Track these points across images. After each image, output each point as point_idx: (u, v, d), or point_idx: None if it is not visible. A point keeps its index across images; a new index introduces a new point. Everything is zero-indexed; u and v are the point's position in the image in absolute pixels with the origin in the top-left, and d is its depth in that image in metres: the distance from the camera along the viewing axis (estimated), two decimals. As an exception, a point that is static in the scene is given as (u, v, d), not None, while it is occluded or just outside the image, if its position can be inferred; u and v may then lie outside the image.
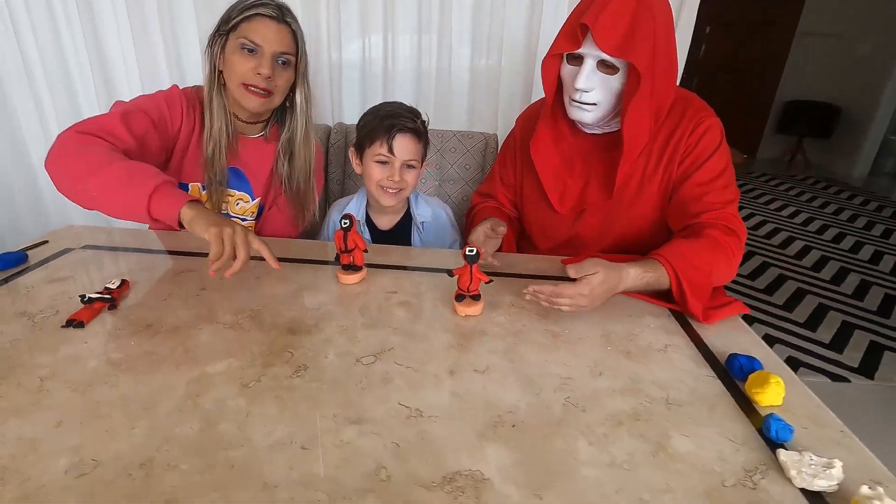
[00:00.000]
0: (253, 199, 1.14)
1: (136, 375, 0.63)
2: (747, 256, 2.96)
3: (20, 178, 1.72)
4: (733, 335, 0.80)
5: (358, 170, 1.12)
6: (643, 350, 0.74)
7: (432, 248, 1.12)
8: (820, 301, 2.47)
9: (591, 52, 0.89)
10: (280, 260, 0.95)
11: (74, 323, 0.73)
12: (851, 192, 4.42)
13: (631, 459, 0.54)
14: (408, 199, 1.16)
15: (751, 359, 0.68)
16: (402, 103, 1.10)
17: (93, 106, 1.65)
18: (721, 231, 0.89)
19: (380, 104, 1.12)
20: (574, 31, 0.90)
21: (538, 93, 1.50)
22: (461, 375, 0.66)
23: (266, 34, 0.97)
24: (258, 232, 1.17)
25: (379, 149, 1.05)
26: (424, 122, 1.09)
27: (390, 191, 1.07)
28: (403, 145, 1.05)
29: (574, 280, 0.79)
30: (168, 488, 0.48)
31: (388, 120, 1.04)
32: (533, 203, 1.12)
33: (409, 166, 1.08)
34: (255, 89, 0.99)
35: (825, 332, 2.21)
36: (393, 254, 1.03)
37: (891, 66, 4.44)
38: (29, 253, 0.94)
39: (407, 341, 0.73)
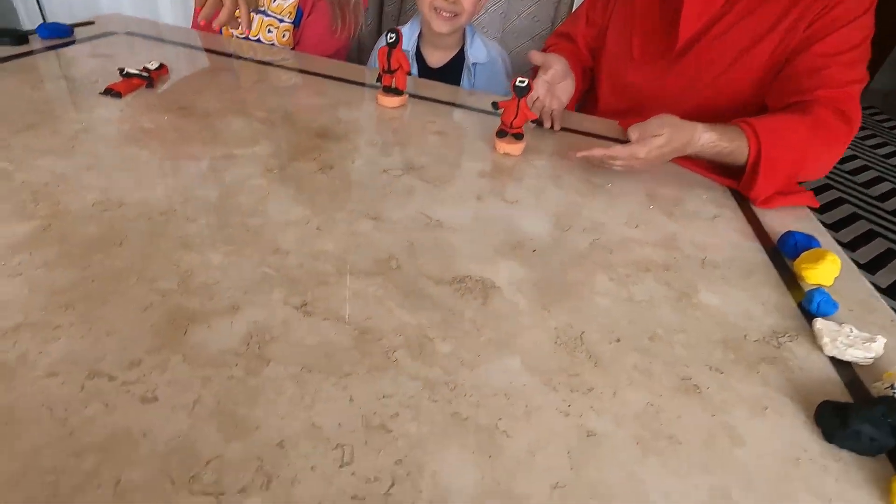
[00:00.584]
0: None
1: (165, 143, 0.63)
2: (823, 188, 2.72)
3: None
4: (794, 221, 0.72)
5: None
6: (688, 214, 0.68)
7: (483, 91, 1.04)
8: (889, 246, 2.28)
9: None
10: (318, 76, 0.91)
11: (112, 92, 0.72)
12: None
13: (650, 300, 0.51)
14: (463, 36, 1.06)
15: (809, 237, 0.62)
16: None
17: None
18: (832, 113, 0.74)
19: None
20: None
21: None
22: (488, 201, 0.63)
23: None
24: (296, 43, 1.11)
25: None
26: None
27: (444, 14, 0.97)
28: None
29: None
30: (185, 234, 0.48)
31: None
32: (612, 51, 0.97)
33: None
34: None
35: (883, 278, 2.07)
36: (439, 90, 0.96)
37: None
38: (75, 30, 0.93)
39: (437, 163, 0.70)
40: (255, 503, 0.29)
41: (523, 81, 0.72)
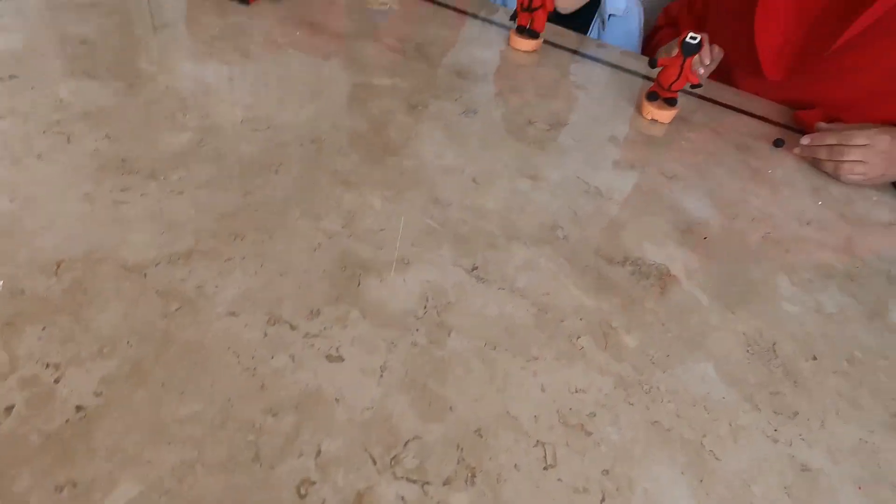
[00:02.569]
0: None
1: (302, 59, 0.58)
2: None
3: None
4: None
5: None
6: (861, 217, 0.60)
7: (624, 47, 0.93)
8: None
9: None
10: (445, 6, 0.83)
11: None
12: None
13: (842, 314, 0.45)
14: None
15: None
16: None
17: None
18: None
19: None
20: None
21: None
22: (645, 171, 0.57)
23: None
24: None
25: None
26: None
27: None
28: None
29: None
30: (341, 169, 0.44)
31: None
32: (728, 56, 0.81)
33: None
34: None
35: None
36: (573, 39, 0.87)
37: None
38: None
39: (584, 122, 0.63)
40: (461, 499, 0.26)
41: (695, 38, 0.62)
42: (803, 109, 0.80)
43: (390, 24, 0.73)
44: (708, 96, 0.80)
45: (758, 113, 0.79)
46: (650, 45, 1.04)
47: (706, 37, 0.80)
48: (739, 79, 0.87)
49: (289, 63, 0.57)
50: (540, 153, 0.54)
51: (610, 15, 0.94)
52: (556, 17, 0.98)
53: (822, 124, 0.70)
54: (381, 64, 0.62)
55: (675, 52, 0.64)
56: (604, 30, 0.96)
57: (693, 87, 0.66)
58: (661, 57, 0.66)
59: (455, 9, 0.83)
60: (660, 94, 0.67)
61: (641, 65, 0.83)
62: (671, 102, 0.67)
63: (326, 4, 0.73)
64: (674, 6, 1.04)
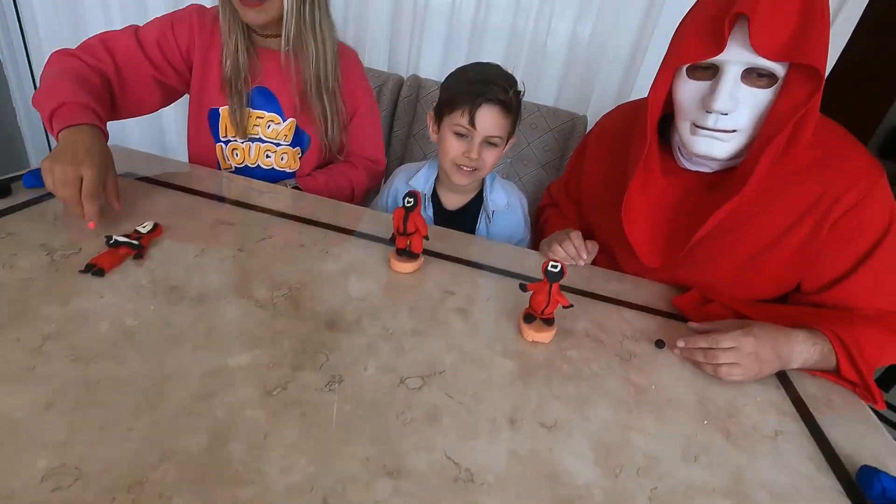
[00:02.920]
0: (284, 120, 1.03)
1: (147, 354, 0.54)
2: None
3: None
4: (860, 431, 0.64)
5: (434, 137, 0.98)
6: (748, 434, 0.59)
7: (501, 242, 0.98)
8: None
9: (736, 59, 0.66)
10: (329, 228, 0.85)
11: (94, 269, 0.64)
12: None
13: None
14: (482, 180, 1.02)
15: (897, 482, 0.53)
16: (496, 67, 0.93)
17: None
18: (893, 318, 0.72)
19: (470, 65, 0.95)
20: (717, 28, 0.65)
21: (641, 83, 1.30)
22: (523, 427, 0.54)
23: None
24: (300, 171, 1.07)
25: (459, 118, 0.90)
26: (519, 92, 0.92)
27: (465, 169, 0.93)
28: (488, 118, 0.89)
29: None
30: (156, 529, 0.38)
31: (476, 86, 0.88)
32: (606, 238, 0.93)
33: (491, 143, 0.92)
34: (244, 1, 0.88)
35: None
36: (456, 241, 0.90)
37: None
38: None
39: (462, 363, 0.61)
40: None
41: (556, 266, 0.65)
42: (679, 294, 0.84)
43: (264, 266, 0.72)
44: (591, 290, 0.83)
45: (639, 302, 0.82)
46: (538, 224, 1.11)
47: (587, 249, 0.86)
48: (622, 261, 0.93)
49: (128, 361, 0.53)
50: (407, 428, 0.51)
51: (493, 210, 1.00)
52: (448, 215, 1.04)
53: (693, 325, 0.74)
54: (243, 331, 0.59)
55: (542, 278, 0.66)
56: (490, 223, 1.01)
57: (566, 307, 0.68)
58: (530, 283, 0.68)
59: (338, 228, 0.85)
60: (536, 317, 0.68)
61: (527, 261, 0.86)
62: (549, 322, 0.68)
63: (196, 253, 0.72)
64: (553, 186, 1.14)
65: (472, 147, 0.90)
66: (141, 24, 0.96)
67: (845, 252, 0.73)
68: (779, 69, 0.66)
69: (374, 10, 1.43)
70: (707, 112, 0.70)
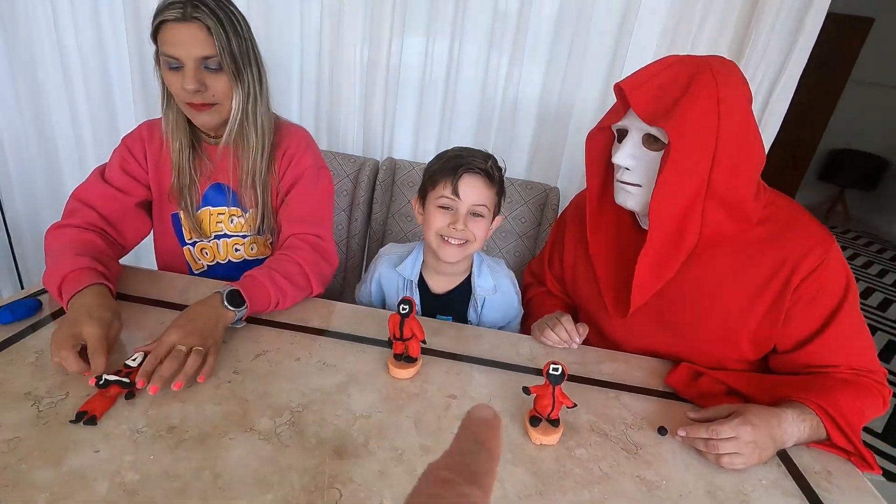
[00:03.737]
0: (247, 212, 1.02)
1: (153, 517, 0.51)
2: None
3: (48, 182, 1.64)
4: (861, 502, 0.66)
5: (420, 219, 0.99)
6: (760, 522, 0.61)
7: (493, 329, 0.99)
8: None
9: (633, 123, 0.79)
10: (322, 333, 0.84)
11: (86, 417, 0.61)
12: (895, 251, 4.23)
13: None
14: (471, 265, 1.03)
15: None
16: (476, 148, 0.96)
17: (128, 108, 1.55)
18: (869, 381, 0.79)
19: (449, 149, 0.98)
20: (619, 94, 0.81)
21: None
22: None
23: (177, 42, 0.83)
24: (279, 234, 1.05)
25: (442, 190, 0.91)
26: (499, 167, 0.95)
27: (453, 242, 0.92)
28: (471, 187, 0.90)
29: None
30: None
31: (456, 160, 0.91)
32: (593, 308, 0.98)
33: (477, 214, 0.92)
34: (194, 106, 0.88)
35: (877, 420, 2.06)
36: (449, 334, 0.91)
37: (949, 124, 4.24)
38: (43, 298, 0.84)
39: (476, 481, 0.61)
40: None
41: (557, 368, 0.66)
42: (671, 370, 0.87)
43: (262, 390, 0.71)
44: (586, 375, 0.84)
45: (636, 383, 0.84)
46: (523, 303, 1.13)
47: (578, 332, 0.90)
48: (609, 331, 0.96)
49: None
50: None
51: (483, 297, 1.01)
52: (436, 299, 1.04)
53: (692, 414, 0.76)
54: (249, 471, 0.57)
55: (545, 381, 0.67)
56: (480, 312, 1.02)
57: (570, 408, 0.69)
58: (533, 386, 0.69)
59: (332, 333, 0.85)
60: (541, 419, 0.69)
61: (522, 349, 0.88)
62: (555, 423, 0.69)
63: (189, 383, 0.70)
64: (534, 264, 1.17)
65: (457, 218, 0.91)
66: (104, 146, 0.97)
67: (811, 313, 0.80)
68: (660, 136, 0.77)
69: (346, 92, 1.48)
70: (614, 162, 0.82)
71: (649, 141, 0.78)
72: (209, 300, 0.79)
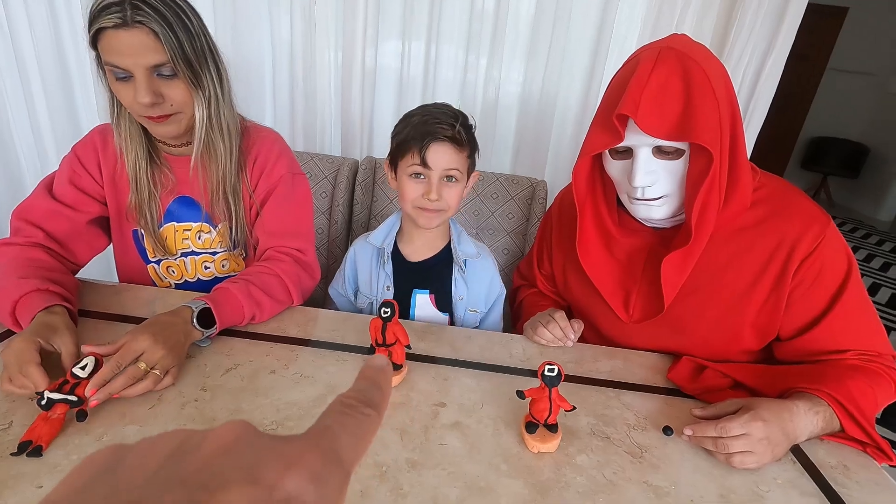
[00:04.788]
0: (216, 227, 0.94)
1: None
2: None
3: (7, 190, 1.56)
4: (879, 497, 0.62)
5: (393, 185, 0.94)
6: (779, 526, 0.56)
7: (482, 330, 0.94)
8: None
9: (641, 142, 0.71)
10: (300, 343, 0.78)
11: (30, 448, 0.54)
12: (880, 236, 4.26)
13: None
14: (449, 233, 0.98)
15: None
16: (443, 106, 0.89)
17: (92, 115, 1.48)
18: (879, 366, 0.74)
19: (416, 108, 0.91)
20: (610, 122, 0.71)
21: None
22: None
23: (121, 50, 0.72)
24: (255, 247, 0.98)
25: (412, 161, 0.86)
26: (471, 126, 0.89)
27: (428, 210, 0.88)
28: (440, 155, 0.85)
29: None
30: None
31: (423, 127, 0.85)
32: (588, 306, 0.93)
33: (450, 178, 0.87)
34: (153, 118, 0.79)
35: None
36: (436, 337, 0.85)
37: (926, 108, 4.30)
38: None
39: (469, 496, 0.55)
40: None
41: (553, 369, 0.61)
42: (672, 365, 0.82)
43: (232, 408, 0.65)
44: (584, 374, 0.79)
45: (635, 381, 0.79)
46: (514, 305, 1.08)
47: (573, 329, 0.84)
48: (605, 326, 0.91)
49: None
50: None
51: (465, 259, 0.96)
52: (411, 268, 0.97)
53: (697, 411, 0.71)
54: None
55: (540, 384, 0.62)
56: (464, 272, 0.96)
57: (569, 411, 0.64)
58: (527, 389, 0.64)
59: (310, 342, 0.79)
60: (538, 424, 0.63)
61: (514, 349, 0.82)
62: (553, 429, 0.63)
63: (150, 404, 0.64)
64: (523, 265, 1.12)
65: (430, 187, 0.86)
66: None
67: (814, 296, 0.75)
68: (680, 145, 0.71)
69: (321, 94, 1.42)
70: (635, 187, 0.74)
71: (660, 152, 0.72)
72: (180, 312, 0.72)
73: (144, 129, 0.85)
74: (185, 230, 0.94)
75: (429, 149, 0.84)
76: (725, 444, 0.62)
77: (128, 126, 0.84)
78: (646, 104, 0.68)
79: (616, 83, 0.74)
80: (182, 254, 0.96)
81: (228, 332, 0.80)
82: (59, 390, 0.58)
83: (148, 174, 0.87)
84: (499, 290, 1.01)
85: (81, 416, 0.59)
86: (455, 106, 0.91)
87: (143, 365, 0.63)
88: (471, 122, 0.90)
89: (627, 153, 0.74)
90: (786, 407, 0.66)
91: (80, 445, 0.56)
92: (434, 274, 0.97)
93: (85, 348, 0.63)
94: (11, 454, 0.54)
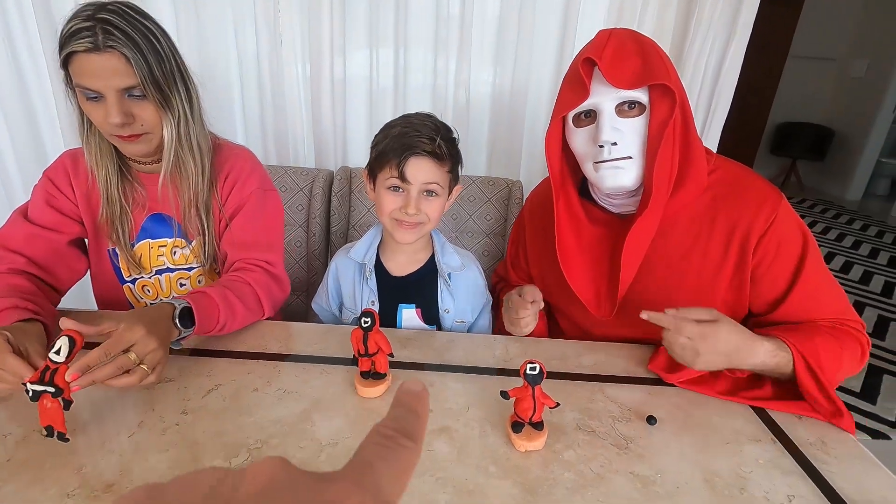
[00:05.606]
0: (191, 242, 0.94)
1: None
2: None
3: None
4: (860, 472, 0.63)
5: (371, 196, 0.92)
6: (762, 502, 0.57)
7: (464, 333, 0.94)
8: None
9: (605, 97, 0.75)
10: (281, 358, 0.78)
11: (56, 434, 0.57)
12: (849, 215, 4.39)
13: None
14: (432, 245, 0.97)
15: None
16: (425, 117, 0.88)
17: (56, 137, 1.45)
18: (849, 329, 0.78)
19: (398, 118, 0.89)
20: (579, 77, 0.76)
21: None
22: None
23: (93, 73, 0.74)
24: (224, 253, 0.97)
25: (390, 174, 0.85)
26: (454, 139, 0.88)
27: (406, 224, 0.87)
28: (420, 169, 0.83)
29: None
30: None
31: (402, 139, 0.83)
32: (565, 300, 0.94)
33: (430, 193, 0.86)
34: (123, 137, 0.79)
35: (854, 379, 2.09)
36: (419, 344, 0.85)
37: (883, 87, 4.45)
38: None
39: (458, 500, 0.55)
40: None
41: (534, 367, 0.62)
42: (652, 356, 0.83)
43: (215, 430, 0.64)
44: (568, 370, 0.80)
45: (618, 373, 0.80)
46: (494, 303, 1.09)
47: (532, 296, 0.85)
48: (581, 320, 0.92)
49: None
50: None
51: (449, 273, 0.95)
52: (396, 283, 0.96)
53: (671, 310, 0.73)
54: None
55: (523, 383, 0.63)
56: (450, 285, 0.96)
57: (553, 408, 0.64)
58: (511, 389, 0.64)
59: (292, 357, 0.78)
60: (524, 423, 0.64)
61: (497, 350, 0.83)
62: (538, 427, 0.64)
63: (130, 431, 0.63)
64: (500, 267, 1.13)
65: (408, 201, 0.85)
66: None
67: (777, 272, 0.79)
68: (641, 97, 0.75)
69: (292, 106, 1.41)
70: (600, 147, 0.77)
71: (623, 110, 0.76)
72: (163, 307, 0.72)
73: (114, 146, 0.85)
74: (160, 246, 0.94)
75: (407, 163, 0.83)
76: (681, 325, 0.70)
77: (98, 143, 0.84)
78: (608, 56, 0.74)
79: (578, 56, 0.78)
80: (156, 271, 0.95)
81: (209, 353, 0.79)
82: (41, 380, 0.56)
83: (119, 190, 0.88)
84: (485, 299, 1.01)
85: (67, 404, 0.57)
86: (427, 111, 0.90)
87: (133, 356, 0.62)
88: (454, 135, 0.89)
89: (591, 118, 0.78)
90: (747, 343, 0.71)
91: (58, 479, 0.55)
92: (419, 288, 0.96)
93: (64, 322, 0.60)
94: (44, 435, 0.57)
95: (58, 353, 0.57)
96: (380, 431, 0.20)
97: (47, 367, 0.56)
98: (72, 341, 0.57)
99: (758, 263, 0.79)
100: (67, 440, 0.58)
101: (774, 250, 0.78)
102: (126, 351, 0.62)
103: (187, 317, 0.74)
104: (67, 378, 0.57)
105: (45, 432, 0.57)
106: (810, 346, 0.72)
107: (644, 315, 0.72)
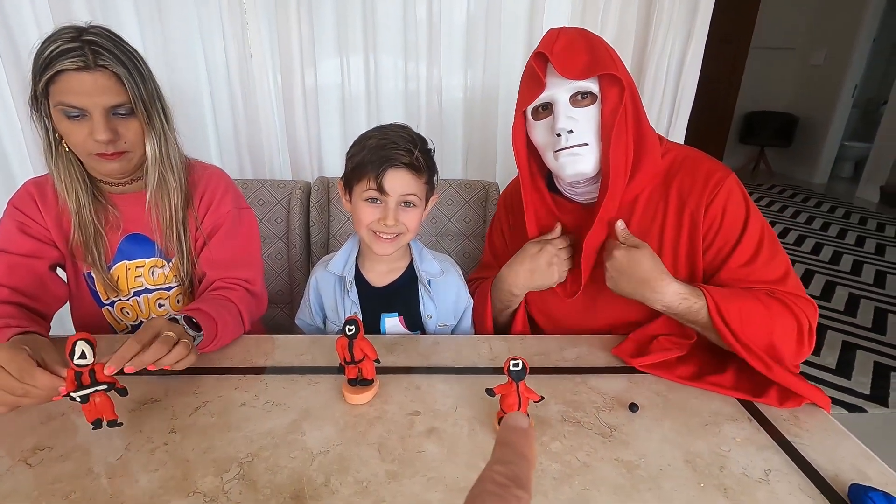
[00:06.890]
0: (170, 261, 0.94)
1: None
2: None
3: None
4: (832, 444, 0.66)
5: (347, 207, 0.92)
6: (742, 483, 0.60)
7: (449, 335, 0.95)
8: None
9: (559, 89, 0.81)
10: (267, 372, 0.78)
11: (107, 422, 0.62)
12: (817, 198, 4.52)
13: None
14: (410, 253, 0.98)
15: (888, 497, 0.55)
16: (400, 129, 0.88)
17: (24, 162, 1.42)
18: (784, 296, 0.81)
19: (373, 130, 0.90)
20: (533, 73, 0.82)
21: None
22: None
23: (81, 91, 0.75)
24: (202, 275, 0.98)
25: (367, 186, 0.85)
26: (430, 150, 0.89)
27: (385, 237, 0.87)
28: (397, 181, 0.84)
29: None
30: None
31: (379, 152, 0.83)
32: (542, 297, 0.97)
33: (408, 204, 0.87)
34: (105, 155, 0.80)
35: (829, 356, 2.16)
36: (404, 348, 0.86)
37: (843, 74, 4.62)
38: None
39: (450, 500, 0.57)
40: None
41: (517, 363, 0.63)
42: (618, 345, 0.86)
43: (204, 445, 0.64)
44: (552, 365, 0.82)
45: (600, 364, 0.83)
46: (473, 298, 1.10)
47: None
48: (556, 311, 0.96)
49: None
50: None
51: (429, 280, 0.96)
52: (376, 293, 0.97)
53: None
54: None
55: (507, 379, 0.64)
56: (430, 291, 0.96)
57: (538, 402, 0.66)
58: (496, 386, 0.66)
59: (278, 369, 0.78)
60: (510, 418, 0.65)
61: (481, 349, 0.84)
62: (523, 421, 0.66)
63: (118, 453, 0.62)
64: (474, 273, 1.15)
65: (387, 212, 0.85)
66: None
67: (722, 239, 0.83)
68: (592, 87, 0.81)
69: (264, 119, 1.41)
70: (557, 135, 0.83)
71: (577, 100, 0.82)
72: (169, 321, 0.73)
73: (83, 169, 0.85)
74: (137, 267, 0.93)
75: (385, 175, 0.83)
76: (609, 245, 0.84)
77: (66, 166, 0.84)
78: (558, 50, 0.80)
79: (531, 56, 0.83)
80: (134, 293, 0.94)
81: (195, 370, 0.78)
82: (80, 387, 0.59)
83: (91, 212, 0.87)
84: (466, 302, 1.02)
85: (123, 392, 0.63)
86: (401, 120, 0.92)
87: (171, 334, 0.66)
88: (430, 146, 0.90)
89: (548, 111, 0.84)
90: (659, 277, 0.79)
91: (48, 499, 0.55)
92: (400, 296, 0.97)
93: (73, 337, 0.59)
94: (93, 429, 0.62)
95: (83, 356, 0.58)
96: (493, 479, 0.19)
97: (79, 373, 0.59)
98: (89, 342, 0.59)
99: (706, 232, 0.84)
100: (121, 424, 0.63)
101: (720, 218, 0.83)
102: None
103: (190, 326, 0.76)
104: (106, 373, 0.59)
105: (92, 426, 0.61)
106: (729, 300, 0.77)
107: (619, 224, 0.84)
